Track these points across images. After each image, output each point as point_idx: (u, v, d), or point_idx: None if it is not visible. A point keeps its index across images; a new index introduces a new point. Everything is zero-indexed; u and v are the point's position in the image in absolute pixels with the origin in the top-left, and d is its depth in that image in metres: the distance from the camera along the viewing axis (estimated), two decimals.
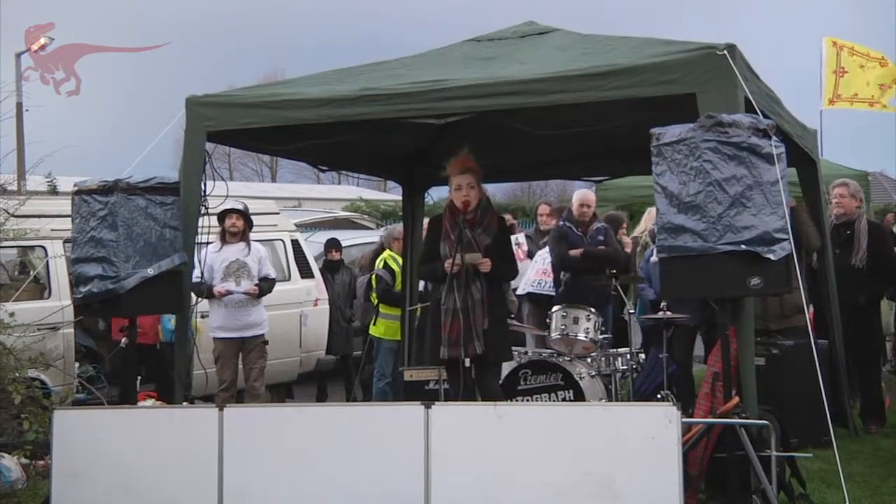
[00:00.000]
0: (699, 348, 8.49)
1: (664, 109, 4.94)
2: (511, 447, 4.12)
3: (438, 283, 5.65)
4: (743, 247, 4.35)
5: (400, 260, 8.41)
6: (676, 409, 3.96)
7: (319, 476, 4.30)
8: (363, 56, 6.92)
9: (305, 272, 9.34)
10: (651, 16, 65.39)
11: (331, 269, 9.56)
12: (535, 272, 8.58)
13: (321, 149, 6.81)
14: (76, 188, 5.46)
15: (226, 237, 7.31)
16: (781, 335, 6.65)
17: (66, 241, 6.93)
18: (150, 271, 5.32)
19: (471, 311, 5.42)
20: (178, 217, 5.52)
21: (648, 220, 8.81)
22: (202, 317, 7.45)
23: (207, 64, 57.35)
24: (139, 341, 7.20)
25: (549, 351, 7.22)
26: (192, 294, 6.21)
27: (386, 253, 8.54)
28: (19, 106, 17.08)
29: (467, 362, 5.45)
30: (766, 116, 4.84)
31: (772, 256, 4.35)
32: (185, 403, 5.66)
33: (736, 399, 4.56)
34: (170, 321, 7.20)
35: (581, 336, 7.05)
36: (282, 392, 9.06)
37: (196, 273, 6.25)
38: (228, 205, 7.03)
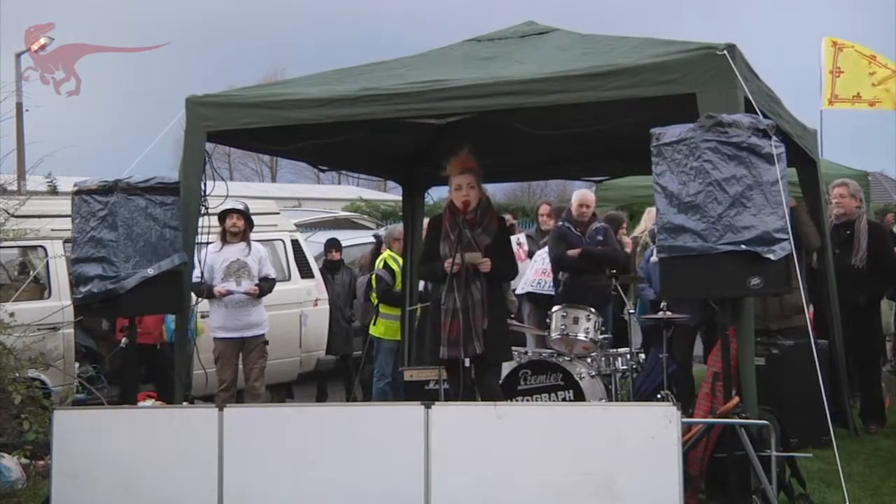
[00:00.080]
0: (699, 348, 8.49)
1: (664, 109, 4.94)
2: (511, 447, 4.12)
3: (438, 283, 5.65)
4: (743, 247, 4.35)
5: (400, 260, 8.41)
6: (676, 409, 3.96)
7: (319, 476, 4.30)
8: (363, 56, 6.93)
9: (305, 272, 9.34)
10: (651, 16, 65.43)
11: (331, 269, 9.57)
12: (534, 272, 8.58)
13: (321, 149, 6.81)
14: (76, 188, 5.46)
15: (226, 237, 7.31)
16: (781, 335, 6.65)
17: (66, 241, 6.93)
18: (150, 271, 5.32)
19: (471, 311, 5.42)
20: (178, 217, 5.52)
21: (648, 220, 8.80)
22: (203, 317, 7.46)
23: (207, 64, 57.41)
24: (142, 341, 7.23)
25: (549, 351, 7.22)
26: (193, 294, 6.21)
27: (386, 253, 8.55)
28: (19, 106, 17.07)
29: (467, 362, 5.45)
30: (766, 116, 4.84)
31: (772, 256, 4.35)
32: (185, 403, 5.66)
33: (736, 399, 4.56)
34: (174, 321, 7.19)
35: (581, 336, 7.05)
36: (282, 392, 9.06)
37: (196, 273, 6.25)
38: (229, 205, 7.03)
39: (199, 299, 6.69)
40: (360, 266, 10.07)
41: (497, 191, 27.30)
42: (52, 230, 7.21)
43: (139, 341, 7.13)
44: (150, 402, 5.31)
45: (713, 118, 4.41)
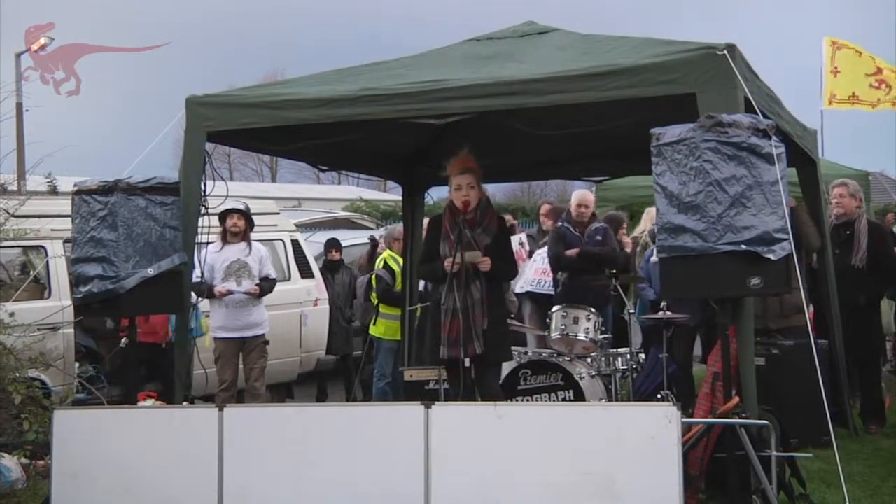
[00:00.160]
0: (699, 348, 8.49)
1: (664, 109, 4.94)
2: (511, 447, 4.12)
3: (438, 283, 5.65)
4: (743, 247, 4.35)
5: (400, 260, 8.41)
6: (676, 409, 3.96)
7: (319, 476, 4.30)
8: (363, 56, 6.93)
9: (305, 272, 9.34)
10: (651, 16, 65.43)
11: (331, 269, 9.57)
12: (534, 271, 8.59)
13: (321, 149, 6.81)
14: (76, 188, 5.46)
15: (227, 237, 7.31)
16: (781, 335, 6.65)
17: (66, 241, 6.93)
18: (150, 271, 5.32)
19: (470, 311, 5.42)
20: (178, 217, 5.52)
21: (648, 220, 8.80)
22: (207, 316, 7.45)
23: (207, 64, 57.41)
24: (148, 340, 7.22)
25: (548, 351, 7.22)
26: (193, 294, 6.21)
27: (386, 253, 8.55)
28: (19, 106, 17.07)
29: (467, 362, 5.45)
30: (766, 116, 4.84)
31: (772, 256, 4.35)
32: (185, 403, 5.66)
33: (736, 399, 4.56)
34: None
35: (581, 336, 7.05)
36: (282, 392, 9.06)
37: (196, 273, 6.25)
38: (230, 205, 7.04)
39: (200, 299, 6.69)
40: (359, 266, 10.07)
41: (497, 191, 27.30)
42: (52, 230, 7.20)
43: (145, 340, 7.18)
44: (150, 402, 5.30)
45: (713, 118, 4.41)
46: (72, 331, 7.30)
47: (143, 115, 52.08)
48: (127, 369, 6.03)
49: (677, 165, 4.47)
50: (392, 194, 29.58)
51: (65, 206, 6.02)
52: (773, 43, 66.19)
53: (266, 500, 4.34)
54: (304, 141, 6.34)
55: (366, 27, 67.29)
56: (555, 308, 7.24)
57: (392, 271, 8.31)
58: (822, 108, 13.01)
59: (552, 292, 8.07)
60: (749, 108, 4.79)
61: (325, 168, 9.24)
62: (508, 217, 9.68)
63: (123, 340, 6.60)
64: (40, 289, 7.37)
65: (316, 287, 9.37)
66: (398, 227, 8.90)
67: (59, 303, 7.15)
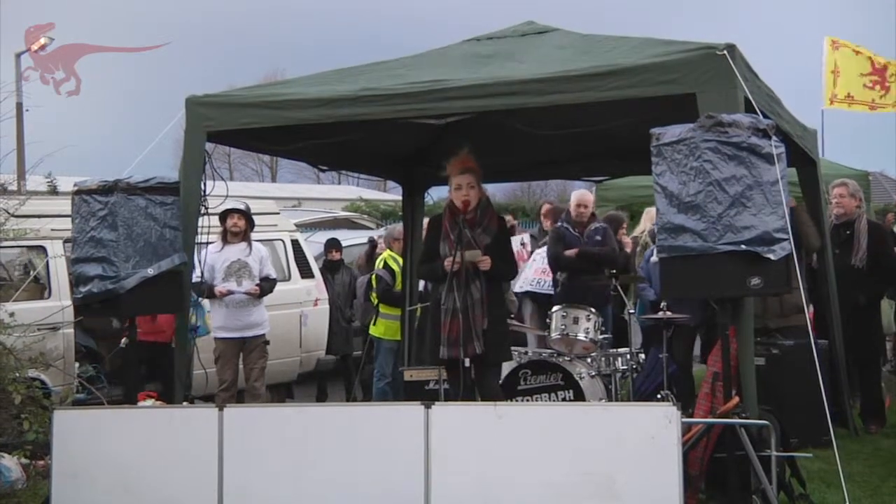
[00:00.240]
0: (699, 348, 8.48)
1: (664, 109, 4.94)
2: (511, 447, 4.12)
3: (438, 283, 5.65)
4: (743, 247, 4.35)
5: (400, 260, 8.41)
6: (676, 409, 3.96)
7: (319, 476, 4.30)
8: (363, 56, 6.93)
9: (305, 272, 9.33)
10: (651, 16, 65.41)
11: (331, 269, 9.57)
12: (533, 271, 8.59)
13: (321, 149, 6.81)
14: (76, 188, 5.46)
15: (227, 237, 7.32)
16: (781, 334, 6.65)
17: (66, 241, 6.93)
18: (150, 271, 5.33)
19: (470, 311, 5.42)
20: (178, 217, 5.52)
21: (648, 220, 8.80)
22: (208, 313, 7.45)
23: (207, 64, 57.42)
24: (154, 339, 7.21)
25: (548, 351, 7.22)
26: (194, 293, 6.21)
27: (386, 253, 8.55)
28: (19, 106, 17.07)
29: (467, 362, 5.45)
30: (765, 116, 4.84)
31: (772, 256, 4.35)
32: (184, 403, 5.66)
33: (736, 399, 4.56)
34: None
35: (581, 336, 7.05)
36: (282, 392, 9.06)
37: (196, 273, 6.25)
38: (230, 205, 7.04)
39: (201, 299, 6.69)
40: (358, 267, 10.07)
41: (497, 191, 27.29)
42: (52, 230, 7.20)
43: (152, 339, 7.17)
44: (150, 402, 5.30)
45: (713, 118, 4.41)
46: (72, 331, 7.30)
47: (143, 115, 52.13)
48: (127, 369, 6.03)
49: (677, 165, 4.47)
50: (392, 194, 29.58)
51: (65, 206, 6.02)
52: (773, 43, 66.20)
53: (266, 500, 4.34)
54: (304, 141, 6.34)
55: (366, 27, 67.34)
56: (555, 308, 7.24)
57: (392, 271, 8.31)
58: (823, 108, 13.03)
59: (551, 292, 8.07)
60: (749, 108, 4.79)
61: (325, 168, 9.24)
62: (509, 217, 9.68)
63: (123, 340, 6.59)
64: (40, 289, 7.37)
65: (316, 287, 9.37)
66: (398, 227, 8.90)
67: (59, 303, 7.15)
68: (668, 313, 6.86)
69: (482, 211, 5.62)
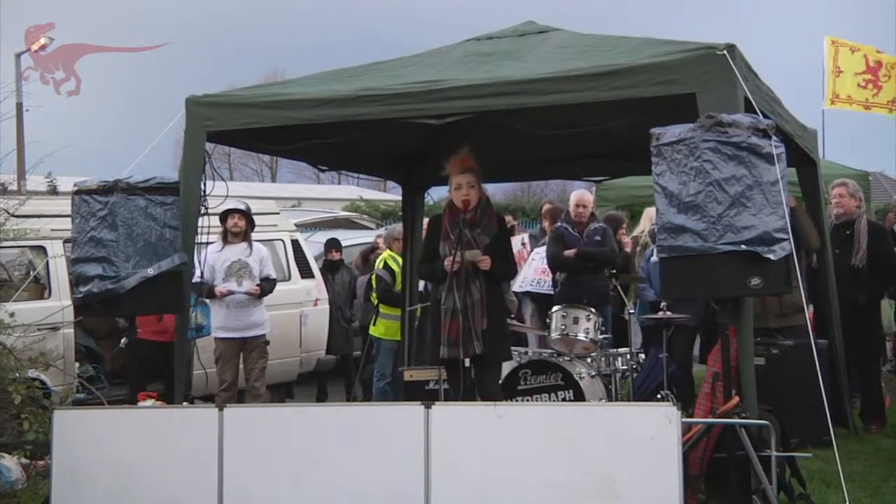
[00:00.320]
0: (698, 348, 8.48)
1: (664, 109, 4.94)
2: (511, 447, 4.12)
3: (438, 283, 5.65)
4: (743, 247, 4.35)
5: (400, 260, 8.41)
6: (676, 409, 3.96)
7: (319, 476, 4.30)
8: (363, 56, 6.93)
9: (305, 272, 9.33)
10: (651, 16, 65.42)
11: (331, 269, 9.57)
12: (533, 271, 8.59)
13: (321, 149, 6.81)
14: (76, 188, 5.46)
15: (228, 237, 7.31)
16: (781, 334, 6.65)
17: (66, 241, 6.93)
18: (150, 271, 5.33)
19: (470, 311, 5.41)
20: (178, 217, 5.52)
21: (647, 220, 8.80)
22: None
23: (207, 64, 57.46)
24: (160, 339, 7.20)
25: (548, 351, 7.22)
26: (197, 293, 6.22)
27: (386, 253, 8.55)
28: (19, 106, 17.07)
29: (467, 362, 5.45)
30: (765, 116, 4.84)
31: (772, 256, 4.35)
32: (184, 403, 5.66)
33: (736, 399, 4.56)
34: (191, 320, 7.17)
35: (581, 336, 7.05)
36: (282, 392, 9.06)
37: (196, 273, 6.25)
38: (231, 205, 7.03)
39: (202, 298, 6.70)
40: (356, 267, 10.07)
41: (497, 191, 27.31)
42: (52, 230, 7.21)
43: (159, 339, 7.16)
44: (150, 402, 5.30)
45: (713, 118, 4.41)
46: (72, 331, 7.30)
47: (143, 115, 52.16)
48: (129, 369, 6.03)
49: (677, 165, 4.47)
50: (392, 194, 29.59)
51: (65, 206, 6.02)
52: (773, 43, 66.17)
53: (266, 500, 4.34)
54: (304, 141, 6.35)
55: (366, 27, 67.37)
56: (555, 308, 7.25)
57: (392, 271, 8.31)
58: (824, 108, 13.01)
59: (551, 292, 8.07)
60: (749, 108, 4.79)
61: (325, 168, 9.24)
62: (508, 217, 9.67)
63: (123, 340, 6.60)
64: (40, 289, 7.38)
65: (316, 287, 9.37)
66: (398, 227, 8.90)
67: (59, 303, 7.16)
68: (668, 313, 6.86)
69: (482, 211, 5.62)
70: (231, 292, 7.15)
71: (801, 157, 6.96)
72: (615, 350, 7.35)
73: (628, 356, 7.23)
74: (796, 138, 6.44)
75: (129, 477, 4.47)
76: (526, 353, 7.25)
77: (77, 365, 7.41)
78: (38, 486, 5.45)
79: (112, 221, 5.29)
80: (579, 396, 6.74)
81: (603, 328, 7.28)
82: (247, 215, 7.36)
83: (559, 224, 8.05)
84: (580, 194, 8.14)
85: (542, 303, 8.27)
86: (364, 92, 5.52)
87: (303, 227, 12.38)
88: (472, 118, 5.80)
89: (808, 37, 45.13)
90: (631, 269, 8.62)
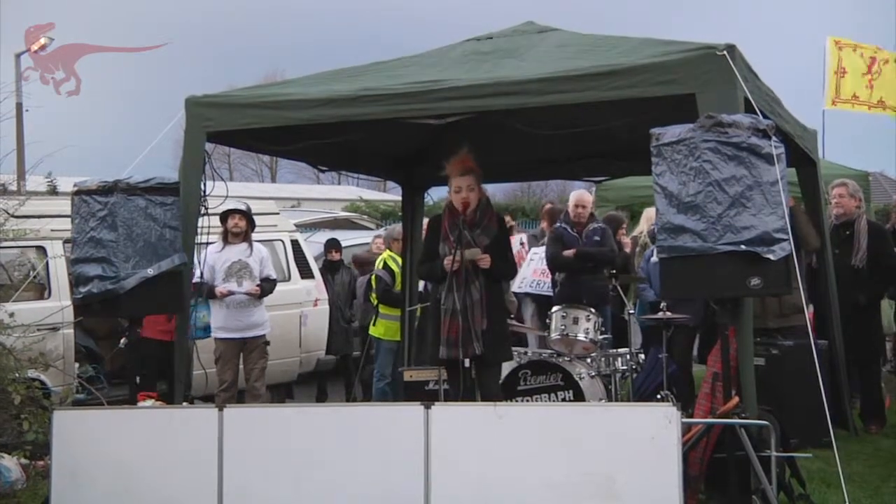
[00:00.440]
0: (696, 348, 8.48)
1: (664, 109, 4.94)
2: (511, 447, 4.12)
3: (438, 283, 5.65)
4: (743, 247, 4.35)
5: (400, 260, 8.41)
6: (676, 409, 3.96)
7: (319, 476, 4.30)
8: (363, 56, 6.93)
9: (305, 272, 9.34)
10: (651, 16, 65.43)
11: (331, 269, 9.57)
12: (532, 271, 8.58)
13: (321, 149, 6.81)
14: (76, 188, 5.46)
15: (228, 237, 7.31)
16: (780, 334, 6.65)
17: (66, 241, 6.93)
18: (150, 272, 5.32)
19: (470, 312, 5.41)
20: (178, 217, 5.52)
21: (646, 221, 8.80)
22: None
23: (207, 64, 57.47)
24: (167, 338, 7.20)
25: (548, 351, 7.22)
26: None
27: (386, 253, 8.55)
28: (19, 106, 17.07)
29: (467, 363, 5.45)
30: (765, 117, 4.84)
31: (771, 257, 4.35)
32: (184, 403, 5.66)
33: (736, 399, 4.56)
34: (198, 319, 7.18)
35: (581, 336, 7.05)
36: (282, 392, 9.06)
37: (196, 274, 6.25)
38: (231, 205, 7.03)
39: (201, 299, 6.70)
40: (355, 266, 10.07)
41: (497, 191, 27.32)
42: (52, 230, 7.21)
43: (165, 338, 7.15)
44: (149, 402, 5.30)
45: (713, 118, 4.41)
46: (72, 331, 7.30)
47: (143, 115, 52.10)
48: (129, 369, 6.03)
49: (677, 166, 4.47)
50: (392, 194, 29.59)
51: (65, 206, 6.02)
52: (773, 43, 66.14)
53: (266, 500, 4.34)
54: (304, 141, 6.35)
55: (366, 27, 67.37)
56: (554, 308, 7.24)
57: (392, 272, 8.31)
58: (825, 109, 13.00)
59: (549, 293, 8.07)
60: (749, 109, 4.79)
61: (324, 168, 9.24)
62: (507, 218, 9.67)
63: (123, 340, 6.60)
64: (40, 289, 7.38)
65: (316, 287, 9.37)
66: (398, 228, 8.90)
67: (59, 303, 7.16)
68: (668, 313, 6.86)
69: (482, 212, 5.61)
70: (231, 292, 7.15)
71: (801, 158, 6.96)
72: (615, 350, 7.35)
73: (628, 356, 7.23)
74: (796, 138, 6.44)
75: (128, 477, 4.47)
76: (526, 353, 7.25)
77: (77, 365, 7.41)
78: (38, 486, 5.45)
79: (112, 222, 5.29)
80: (579, 397, 6.74)
81: (603, 328, 7.27)
82: (247, 216, 7.36)
83: (558, 224, 8.05)
84: (579, 195, 8.14)
85: (541, 303, 8.26)
86: (364, 92, 5.52)
87: (303, 227, 12.38)
88: (472, 118, 5.80)
89: (808, 37, 45.20)
90: (630, 270, 8.62)
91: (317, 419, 4.53)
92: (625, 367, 7.23)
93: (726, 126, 4.39)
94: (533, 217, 22.08)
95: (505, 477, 4.10)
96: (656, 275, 6.64)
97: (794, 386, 6.24)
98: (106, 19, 49.91)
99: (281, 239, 9.21)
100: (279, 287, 7.87)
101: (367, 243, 10.56)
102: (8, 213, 6.09)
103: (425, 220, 7.74)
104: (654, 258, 6.46)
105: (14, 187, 7.15)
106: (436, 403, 4.31)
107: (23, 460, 5.48)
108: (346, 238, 10.90)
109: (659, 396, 6.86)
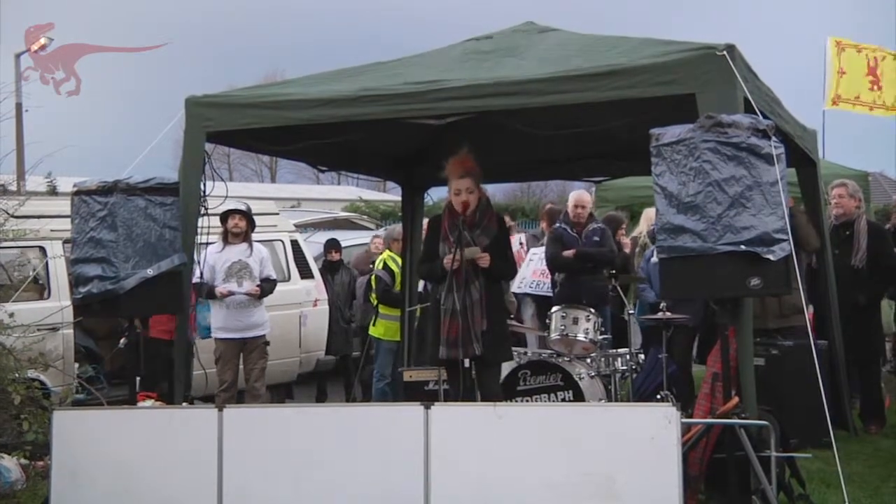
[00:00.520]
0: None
1: (664, 110, 4.94)
2: (511, 447, 4.12)
3: (438, 284, 5.65)
4: (742, 247, 4.35)
5: (399, 260, 8.41)
6: (676, 409, 3.97)
7: (319, 476, 4.30)
8: (363, 56, 6.93)
9: (305, 272, 9.34)
10: (650, 16, 65.41)
11: (330, 269, 9.56)
12: (532, 272, 8.58)
13: (321, 149, 6.82)
14: (76, 189, 5.46)
15: (228, 238, 7.31)
16: (780, 335, 6.65)
17: (65, 241, 6.93)
18: (150, 272, 5.33)
19: (469, 312, 5.40)
20: (178, 217, 5.52)
21: (646, 221, 8.80)
22: None
23: (207, 64, 57.45)
24: (171, 338, 7.19)
25: (548, 351, 7.22)
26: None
27: (385, 253, 8.55)
28: (19, 106, 17.05)
29: (466, 363, 5.45)
30: (765, 117, 4.84)
31: (771, 257, 4.35)
32: (184, 404, 5.66)
33: (735, 399, 4.56)
34: (205, 318, 7.19)
35: (580, 336, 7.05)
36: (282, 392, 9.06)
37: (196, 274, 6.25)
38: (231, 205, 7.03)
39: (202, 299, 6.71)
40: (356, 267, 10.07)
41: (497, 191, 27.32)
42: (52, 230, 7.21)
43: (169, 338, 7.16)
44: (149, 402, 5.31)
45: (713, 118, 4.41)
46: (71, 331, 7.29)
47: (143, 115, 52.07)
48: (128, 369, 6.03)
49: (677, 166, 4.47)
50: (392, 194, 29.58)
51: (65, 206, 6.02)
52: (773, 43, 66.13)
53: (266, 500, 4.34)
54: (304, 141, 6.35)
55: (366, 27, 67.37)
56: (554, 309, 7.24)
57: (391, 272, 8.31)
58: (825, 109, 13.00)
59: (550, 294, 8.07)
60: (749, 109, 4.79)
61: (324, 168, 9.24)
62: (506, 218, 9.66)
63: (123, 340, 6.60)
64: (40, 289, 7.37)
65: (315, 287, 9.37)
66: (397, 228, 8.90)
67: (59, 303, 7.16)
68: (668, 314, 6.86)
69: (482, 212, 5.60)
70: (231, 293, 7.15)
71: (801, 158, 6.96)
72: (615, 350, 7.35)
73: (628, 357, 7.23)
74: (796, 139, 6.44)
75: (128, 477, 4.47)
76: (525, 353, 7.25)
77: (76, 365, 7.41)
78: (38, 486, 5.45)
79: (112, 222, 5.29)
80: (579, 397, 6.74)
81: (602, 329, 7.27)
82: (247, 216, 7.36)
83: (558, 224, 8.05)
84: (578, 195, 8.14)
85: (541, 304, 8.26)
86: (364, 92, 5.52)
87: (302, 227, 12.38)
88: (472, 118, 5.81)
89: (808, 37, 45.20)
90: (630, 270, 8.61)
91: (316, 419, 4.53)
92: (624, 368, 7.23)
93: (726, 126, 4.39)
94: (533, 217, 22.07)
95: (505, 477, 4.10)
96: (656, 275, 6.64)
97: (793, 386, 6.24)
98: (106, 19, 49.93)
99: (281, 239, 9.21)
100: (279, 287, 7.86)
101: (367, 243, 10.55)
102: (8, 214, 6.09)
103: (425, 221, 7.74)
104: (654, 258, 6.46)
105: (14, 187, 7.15)
106: (435, 404, 4.31)
107: (23, 460, 5.48)
108: (346, 238, 10.90)
109: (659, 397, 6.86)
